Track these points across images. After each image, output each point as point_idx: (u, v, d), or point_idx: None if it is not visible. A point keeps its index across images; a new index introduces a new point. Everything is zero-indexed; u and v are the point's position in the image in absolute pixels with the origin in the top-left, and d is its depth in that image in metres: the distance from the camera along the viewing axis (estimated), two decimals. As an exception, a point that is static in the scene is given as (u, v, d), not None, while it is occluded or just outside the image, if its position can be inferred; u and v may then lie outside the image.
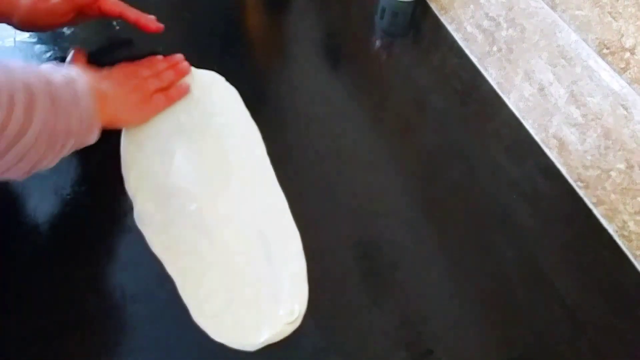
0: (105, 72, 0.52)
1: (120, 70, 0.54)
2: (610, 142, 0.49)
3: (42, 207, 0.47)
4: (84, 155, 0.52)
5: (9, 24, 0.52)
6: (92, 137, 0.46)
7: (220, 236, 0.46)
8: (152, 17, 0.60)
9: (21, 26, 0.53)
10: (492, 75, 0.66)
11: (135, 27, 0.58)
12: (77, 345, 0.39)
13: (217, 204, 0.48)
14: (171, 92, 0.56)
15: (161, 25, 0.59)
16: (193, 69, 0.60)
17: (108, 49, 0.64)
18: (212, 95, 0.58)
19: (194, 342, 0.40)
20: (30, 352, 0.39)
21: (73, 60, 0.54)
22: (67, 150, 0.43)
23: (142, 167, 0.50)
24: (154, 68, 0.56)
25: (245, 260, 0.45)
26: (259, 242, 0.46)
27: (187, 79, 0.58)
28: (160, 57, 0.59)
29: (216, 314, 0.41)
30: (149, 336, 0.40)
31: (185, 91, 0.57)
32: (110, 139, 0.52)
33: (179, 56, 0.59)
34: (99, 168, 0.51)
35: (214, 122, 0.55)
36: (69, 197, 0.48)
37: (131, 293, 0.43)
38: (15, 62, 0.40)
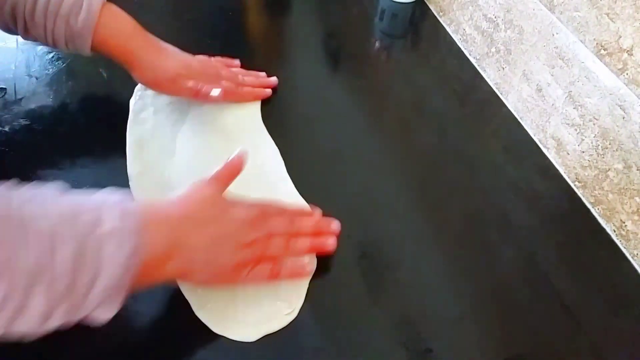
0: (217, 209, 0.39)
1: (242, 212, 0.40)
2: (608, 142, 0.50)
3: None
4: (87, 151, 0.52)
5: (128, 71, 0.52)
6: (105, 314, 0.33)
7: None
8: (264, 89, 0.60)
9: (144, 84, 0.54)
10: (490, 76, 0.66)
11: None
12: (78, 341, 0.39)
13: None
14: (284, 270, 0.41)
15: (272, 81, 0.61)
16: None
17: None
18: None
19: (196, 334, 0.40)
20: (30, 351, 0.39)
21: (217, 176, 0.41)
22: (56, 324, 0.31)
23: (145, 163, 0.50)
24: (291, 225, 0.42)
25: None
26: None
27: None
28: (317, 214, 0.46)
29: (217, 307, 0.42)
30: (150, 331, 0.40)
31: (306, 274, 0.43)
32: (115, 135, 0.53)
33: (336, 225, 0.45)
34: (101, 164, 0.52)
35: (222, 119, 0.56)
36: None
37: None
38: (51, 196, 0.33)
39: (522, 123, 0.61)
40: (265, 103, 0.59)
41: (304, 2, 0.78)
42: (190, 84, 0.52)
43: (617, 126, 0.48)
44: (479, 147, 0.58)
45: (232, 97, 0.56)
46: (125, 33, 0.50)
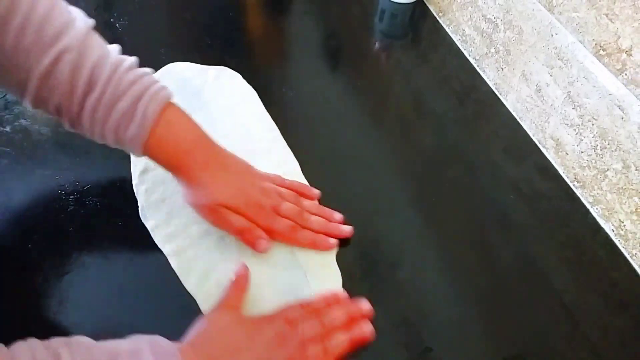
0: (243, 334, 0.38)
1: (269, 329, 0.39)
2: (607, 142, 0.50)
3: (47, 203, 0.48)
4: (89, 150, 0.52)
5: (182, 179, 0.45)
6: None
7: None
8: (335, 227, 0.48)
9: (187, 203, 0.46)
10: (489, 77, 0.66)
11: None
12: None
13: None
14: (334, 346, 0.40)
15: (344, 232, 0.48)
16: (208, 67, 0.60)
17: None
18: (231, 91, 0.59)
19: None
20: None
21: (228, 301, 0.41)
22: None
23: (149, 161, 0.50)
24: (321, 325, 0.40)
25: (258, 255, 0.45)
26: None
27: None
28: (342, 296, 0.43)
29: None
30: (155, 330, 0.40)
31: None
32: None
33: (367, 305, 0.42)
34: (104, 163, 0.52)
35: (230, 119, 0.56)
36: (74, 192, 0.49)
37: (136, 287, 0.43)
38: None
39: (522, 123, 0.62)
40: (265, 104, 0.59)
41: (304, 2, 0.78)
42: (235, 221, 0.44)
43: (615, 126, 0.48)
44: (478, 148, 0.58)
45: (286, 241, 0.47)
46: (181, 146, 0.43)
